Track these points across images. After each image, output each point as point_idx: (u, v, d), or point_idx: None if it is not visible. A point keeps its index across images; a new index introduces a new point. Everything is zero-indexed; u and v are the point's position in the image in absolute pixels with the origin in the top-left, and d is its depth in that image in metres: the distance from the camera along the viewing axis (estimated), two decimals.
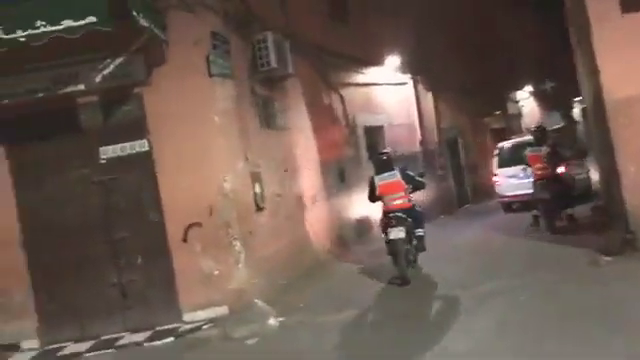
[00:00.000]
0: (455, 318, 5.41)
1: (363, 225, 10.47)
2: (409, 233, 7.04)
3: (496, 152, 12.68)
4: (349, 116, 10.96)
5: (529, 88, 21.97)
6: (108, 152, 6.34)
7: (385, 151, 8.01)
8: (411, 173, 7.56)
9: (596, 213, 9.05)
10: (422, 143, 13.94)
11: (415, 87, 13.93)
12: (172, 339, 5.89)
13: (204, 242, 6.27)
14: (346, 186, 10.28)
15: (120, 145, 6.32)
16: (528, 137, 10.57)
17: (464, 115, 16.70)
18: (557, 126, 18.30)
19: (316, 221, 9.06)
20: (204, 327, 6.00)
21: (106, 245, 6.33)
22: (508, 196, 11.98)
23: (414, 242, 7.23)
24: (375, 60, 12.06)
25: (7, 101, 6.08)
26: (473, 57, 16.19)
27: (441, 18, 14.63)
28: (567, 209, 8.91)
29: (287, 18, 8.64)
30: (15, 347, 6.25)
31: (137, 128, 6.29)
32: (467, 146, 16.75)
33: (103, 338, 6.15)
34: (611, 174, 6.95)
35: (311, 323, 5.92)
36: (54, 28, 5.04)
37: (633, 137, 6.31)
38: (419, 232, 7.33)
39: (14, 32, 5.03)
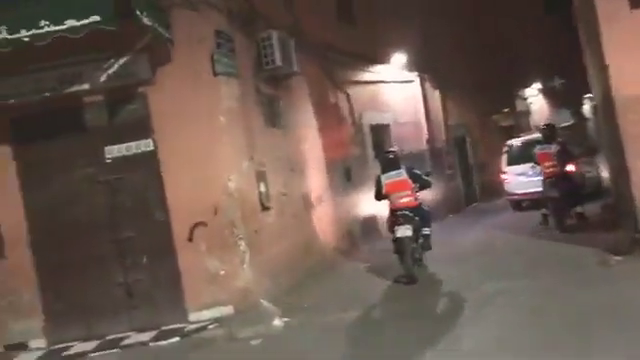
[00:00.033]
0: (461, 318, 5.36)
1: (370, 224, 10.42)
2: (416, 231, 7.05)
3: (505, 150, 12.61)
4: (355, 114, 10.92)
5: (538, 85, 21.76)
6: (113, 151, 6.34)
7: (392, 150, 8.02)
8: (418, 172, 7.56)
9: (606, 211, 8.98)
10: (429, 141, 13.87)
11: (422, 85, 13.85)
12: (177, 339, 5.88)
13: (209, 242, 6.26)
14: (352, 185, 10.24)
15: (125, 144, 6.32)
16: (537, 135, 10.48)
17: (472, 113, 16.59)
18: (567, 123, 18.12)
19: (322, 220, 9.03)
20: (209, 327, 5.99)
21: (112, 244, 6.33)
22: (517, 194, 11.92)
23: (420, 241, 7.23)
24: (381, 58, 12.01)
25: (13, 101, 6.09)
26: (481, 54, 16.08)
27: (449, 15, 14.54)
28: (576, 207, 8.84)
29: (292, 16, 8.60)
30: (23, 346, 6.28)
31: (142, 127, 6.29)
32: (475, 144, 16.63)
33: (109, 337, 6.16)
34: (620, 171, 6.87)
35: (316, 323, 5.90)
36: (58, 28, 5.05)
37: None
38: (425, 231, 7.33)
39: (18, 32, 5.05)
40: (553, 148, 8.86)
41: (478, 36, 16.01)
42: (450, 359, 4.49)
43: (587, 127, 20.13)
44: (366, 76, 11.61)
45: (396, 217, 7.08)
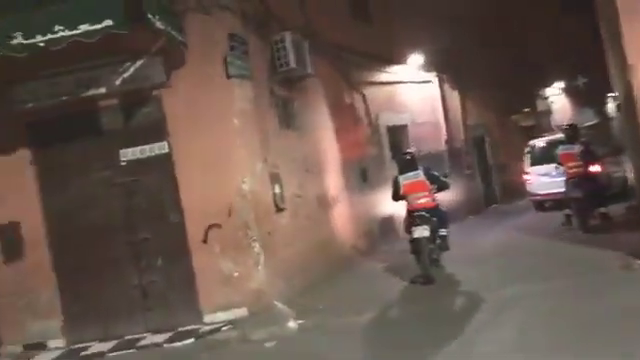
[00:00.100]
0: (477, 321, 5.27)
1: (387, 225, 10.36)
2: (433, 232, 7.05)
3: (528, 150, 12.46)
4: (371, 115, 10.87)
5: (560, 84, 21.39)
6: (128, 154, 6.41)
7: (409, 151, 8.07)
8: (435, 173, 7.55)
9: (630, 212, 8.82)
10: (448, 142, 13.74)
11: (440, 85, 13.73)
12: (192, 340, 5.91)
13: (223, 243, 6.28)
14: (369, 186, 10.19)
15: (140, 147, 6.39)
16: (560, 135, 10.34)
17: (491, 113, 16.38)
18: (590, 123, 17.80)
19: (338, 221, 9.01)
20: (223, 329, 6.01)
21: (128, 246, 6.41)
22: (540, 195, 11.81)
23: (438, 241, 7.22)
24: (398, 58, 11.94)
25: (32, 105, 6.21)
26: (500, 53, 15.86)
27: (468, 14, 14.36)
28: (600, 207, 8.73)
29: (307, 18, 8.59)
30: (42, 346, 6.40)
31: (157, 130, 6.35)
32: (494, 144, 16.42)
33: (126, 338, 6.23)
34: None
35: (330, 325, 5.87)
36: (72, 32, 5.12)
37: None
38: (443, 232, 7.32)
39: (33, 37, 5.14)
40: (576, 148, 8.77)
41: (498, 35, 15.78)
42: None
43: (611, 126, 19.73)
44: (383, 76, 11.55)
45: (413, 218, 7.09)
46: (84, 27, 5.10)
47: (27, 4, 5.25)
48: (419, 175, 7.26)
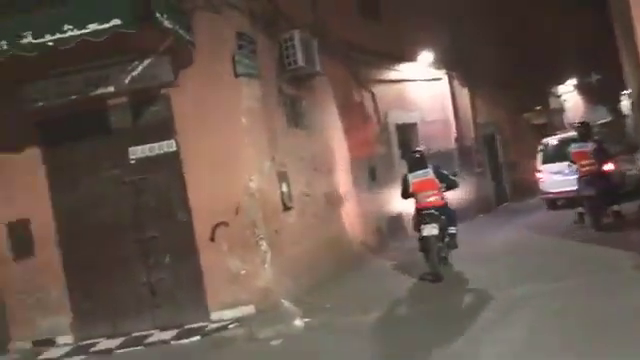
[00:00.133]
0: (487, 321, 5.23)
1: (395, 223, 10.33)
2: (442, 230, 7.09)
3: (540, 148, 12.38)
4: (380, 113, 10.83)
5: (573, 81, 21.18)
6: (137, 152, 6.44)
7: (418, 149, 8.07)
8: (445, 172, 7.57)
9: None
10: (458, 140, 13.66)
11: (450, 82, 13.64)
12: (198, 338, 5.94)
13: (231, 241, 6.30)
14: (377, 185, 10.17)
15: (149, 145, 6.42)
16: (573, 133, 10.26)
17: (502, 110, 16.26)
18: (604, 120, 17.61)
19: (346, 220, 8.99)
20: (230, 326, 6.03)
21: (136, 244, 6.44)
22: (553, 193, 11.74)
23: (446, 239, 7.26)
24: (408, 56, 11.88)
25: (41, 104, 6.27)
26: (512, 50, 15.71)
27: (478, 10, 14.25)
28: (613, 205, 8.66)
29: (316, 16, 8.58)
30: (51, 342, 6.46)
31: (165, 128, 6.38)
32: (505, 142, 16.30)
33: (133, 335, 6.28)
34: None
35: (337, 324, 5.86)
36: (81, 32, 5.15)
37: None
38: (451, 230, 7.35)
39: (43, 37, 5.17)
40: (589, 146, 8.74)
41: (509, 32, 15.64)
42: None
43: (625, 124, 19.50)
44: (392, 74, 11.50)
45: (422, 216, 7.13)
46: (92, 26, 5.13)
47: (36, 4, 5.29)
48: (428, 173, 7.30)
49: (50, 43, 5.18)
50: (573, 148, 8.95)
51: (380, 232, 10.11)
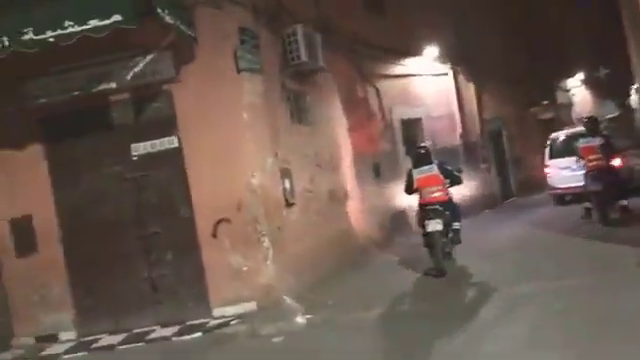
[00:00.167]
0: (489, 318, 5.19)
1: (400, 218, 10.29)
2: (446, 226, 7.10)
3: (548, 143, 12.28)
4: (385, 109, 10.77)
5: (581, 76, 20.98)
6: (139, 149, 6.43)
7: (423, 145, 8.07)
8: (449, 167, 7.54)
9: None
10: (463, 135, 13.56)
11: (455, 77, 13.53)
12: (200, 334, 5.93)
13: (233, 238, 6.29)
14: (382, 181, 10.11)
15: (150, 142, 6.41)
16: (582, 128, 10.17)
17: (509, 105, 16.12)
18: (612, 115, 17.46)
19: (350, 216, 8.95)
20: (232, 323, 6.03)
21: (138, 240, 6.44)
22: (560, 188, 11.65)
23: (450, 235, 7.27)
24: (413, 51, 11.79)
25: (43, 100, 6.27)
26: (518, 43, 15.57)
27: (483, 3, 14.12)
28: (621, 200, 8.59)
29: (319, 10, 8.52)
30: (54, 338, 6.49)
31: (167, 125, 6.37)
32: (512, 138, 16.17)
33: (135, 331, 6.28)
34: None
35: (339, 321, 5.83)
36: (81, 28, 5.13)
37: None
38: (455, 225, 7.35)
39: (44, 33, 5.15)
40: (597, 141, 8.67)
41: (515, 23, 15.48)
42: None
43: (634, 119, 19.30)
44: (396, 69, 11.42)
45: (427, 211, 7.13)
46: (93, 22, 5.11)
47: (37, 0, 5.27)
48: (433, 169, 7.29)
49: (51, 39, 5.16)
50: (581, 143, 8.89)
51: (384, 228, 10.07)
